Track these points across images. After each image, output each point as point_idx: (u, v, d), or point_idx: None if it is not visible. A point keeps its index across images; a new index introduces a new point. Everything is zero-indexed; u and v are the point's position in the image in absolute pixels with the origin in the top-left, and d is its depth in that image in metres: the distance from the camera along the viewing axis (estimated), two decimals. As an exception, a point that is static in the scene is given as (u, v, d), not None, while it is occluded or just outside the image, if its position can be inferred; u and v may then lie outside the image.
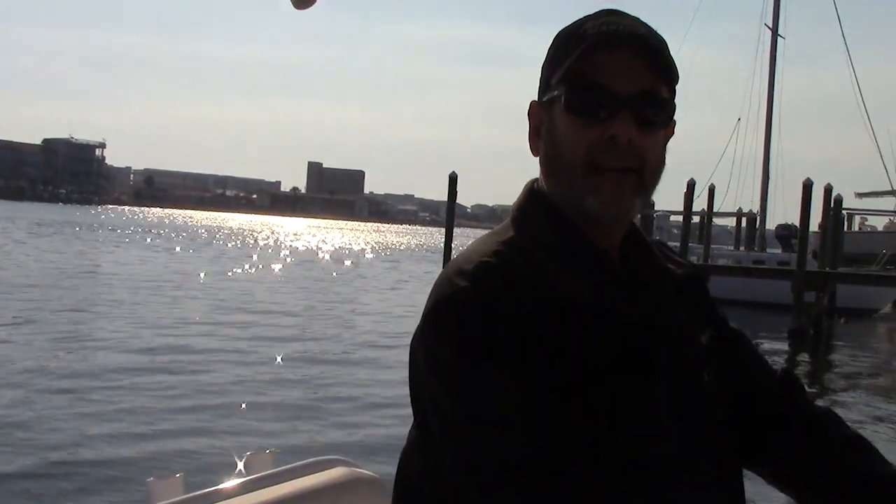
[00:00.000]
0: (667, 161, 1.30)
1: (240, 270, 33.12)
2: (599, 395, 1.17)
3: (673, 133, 1.31)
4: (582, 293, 1.21)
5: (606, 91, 1.22)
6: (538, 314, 1.17)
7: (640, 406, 1.21)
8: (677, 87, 1.29)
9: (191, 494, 1.55)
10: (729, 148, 39.34)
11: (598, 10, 1.30)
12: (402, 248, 77.18)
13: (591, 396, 1.17)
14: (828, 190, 27.53)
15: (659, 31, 1.29)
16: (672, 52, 1.28)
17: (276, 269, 35.76)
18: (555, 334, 1.17)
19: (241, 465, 1.75)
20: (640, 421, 1.20)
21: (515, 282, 1.19)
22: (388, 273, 39.49)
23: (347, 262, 46.56)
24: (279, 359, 13.09)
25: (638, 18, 1.28)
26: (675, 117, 1.30)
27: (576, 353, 1.18)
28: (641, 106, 1.23)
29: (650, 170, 1.25)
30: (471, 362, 1.16)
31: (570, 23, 1.30)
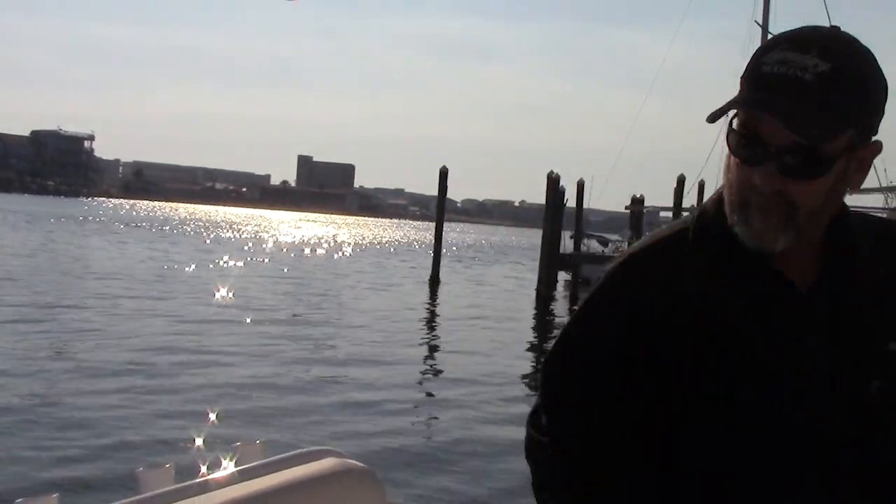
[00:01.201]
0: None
1: (225, 264, 33.04)
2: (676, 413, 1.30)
3: (876, 151, 1.30)
4: (704, 306, 1.29)
5: (757, 139, 1.25)
6: (642, 327, 1.31)
7: (716, 429, 1.29)
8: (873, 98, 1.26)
9: (181, 484, 1.55)
10: (718, 143, 39.37)
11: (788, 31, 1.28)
12: (391, 242, 77.11)
13: (665, 413, 1.30)
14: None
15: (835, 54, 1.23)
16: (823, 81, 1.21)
17: (263, 263, 35.69)
18: (650, 349, 1.30)
19: (231, 456, 1.73)
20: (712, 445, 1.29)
21: (635, 289, 1.33)
22: (375, 269, 39.45)
23: (336, 257, 46.49)
24: (268, 352, 13.07)
25: (829, 47, 1.23)
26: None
27: (664, 366, 1.29)
28: (790, 158, 1.23)
29: (805, 213, 1.26)
30: (563, 349, 1.39)
31: (782, 32, 1.30)
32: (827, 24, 1.33)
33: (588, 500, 1.35)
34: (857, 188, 1.31)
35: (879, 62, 1.30)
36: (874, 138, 1.31)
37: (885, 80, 1.29)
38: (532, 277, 32.46)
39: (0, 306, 16.47)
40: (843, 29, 1.31)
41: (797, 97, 1.20)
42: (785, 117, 1.20)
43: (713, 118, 1.24)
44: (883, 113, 1.30)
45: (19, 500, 1.41)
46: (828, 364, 1.29)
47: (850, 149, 1.25)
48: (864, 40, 1.31)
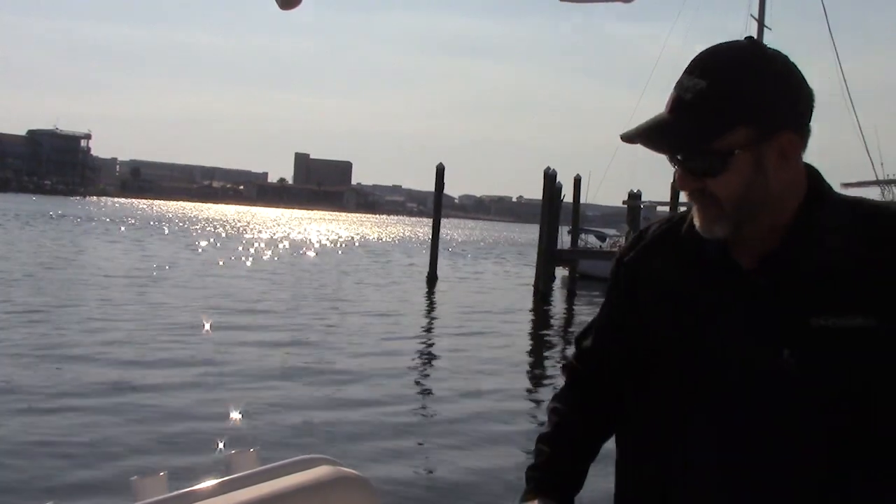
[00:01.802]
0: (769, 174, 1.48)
1: (220, 264, 33.02)
2: (627, 337, 1.66)
3: (794, 141, 1.48)
4: (655, 267, 1.63)
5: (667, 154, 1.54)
6: (626, 273, 1.69)
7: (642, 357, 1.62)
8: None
9: (174, 493, 1.55)
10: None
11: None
12: (389, 239, 77.11)
13: (626, 334, 1.67)
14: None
15: (726, 68, 1.47)
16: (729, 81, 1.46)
17: (259, 262, 35.68)
18: (623, 287, 1.70)
19: (225, 464, 1.74)
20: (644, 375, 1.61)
21: (632, 248, 1.70)
22: (372, 267, 39.46)
23: (333, 254, 46.50)
24: (261, 357, 13.03)
25: (710, 65, 1.48)
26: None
27: (630, 306, 1.66)
28: (689, 161, 1.50)
29: (729, 204, 1.49)
30: None
31: None
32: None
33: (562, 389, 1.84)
34: (788, 175, 1.49)
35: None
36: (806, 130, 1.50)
37: (790, 78, 1.48)
38: (529, 273, 32.48)
39: (-3, 307, 16.47)
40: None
41: (672, 115, 1.49)
42: (645, 139, 1.49)
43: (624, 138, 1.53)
44: (791, 106, 1.48)
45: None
46: (751, 332, 1.50)
47: (752, 144, 1.45)
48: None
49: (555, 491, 1.73)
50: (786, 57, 1.50)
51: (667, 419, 1.57)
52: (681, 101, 1.48)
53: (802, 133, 1.50)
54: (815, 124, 1.52)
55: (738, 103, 1.45)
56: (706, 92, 1.46)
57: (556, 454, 1.76)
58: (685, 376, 1.55)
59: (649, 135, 1.49)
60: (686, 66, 1.51)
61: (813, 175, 1.56)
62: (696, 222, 1.54)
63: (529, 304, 25.91)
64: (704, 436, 1.52)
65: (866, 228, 1.49)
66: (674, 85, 1.51)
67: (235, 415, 9.12)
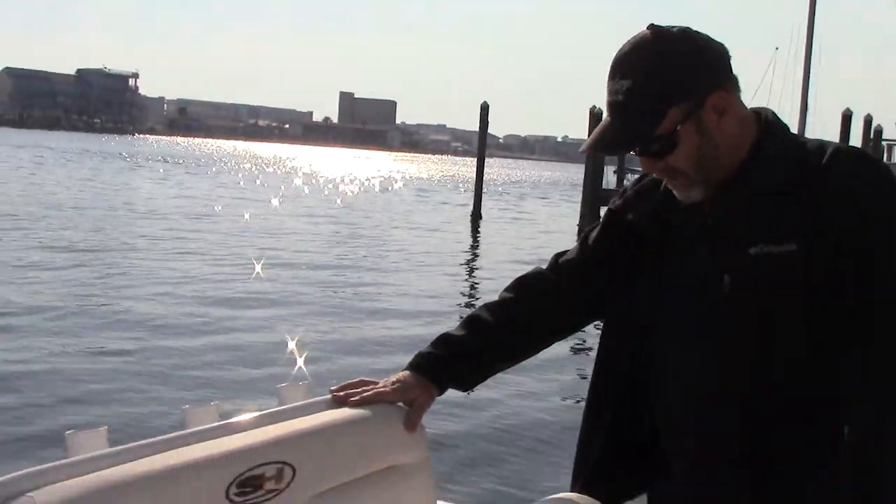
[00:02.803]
0: (723, 130, 1.63)
1: (264, 203, 33.22)
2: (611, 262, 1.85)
3: (725, 97, 1.62)
4: (641, 215, 1.80)
5: None
6: (615, 219, 1.87)
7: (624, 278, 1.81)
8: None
9: (224, 421, 1.57)
10: (766, 78, 38.65)
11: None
12: (432, 177, 76.94)
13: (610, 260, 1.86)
14: (867, 120, 27.05)
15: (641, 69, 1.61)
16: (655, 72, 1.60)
17: (301, 201, 35.84)
18: (616, 220, 1.86)
19: (275, 396, 1.78)
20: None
21: (623, 196, 1.88)
22: (416, 205, 39.41)
23: (378, 193, 46.57)
24: (309, 293, 13.16)
25: (627, 64, 1.62)
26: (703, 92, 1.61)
27: (617, 234, 1.86)
28: (645, 150, 1.64)
29: (693, 171, 1.64)
30: None
31: None
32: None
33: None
34: (730, 124, 1.63)
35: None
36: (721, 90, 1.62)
37: (696, 48, 1.61)
38: (574, 213, 32.26)
39: (33, 248, 16.80)
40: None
41: (614, 119, 1.64)
42: (601, 148, 1.68)
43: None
44: (707, 71, 1.62)
45: (69, 431, 1.44)
46: (704, 265, 1.67)
47: (689, 115, 1.60)
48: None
49: (436, 371, 1.81)
50: (687, 28, 1.63)
51: (640, 355, 1.76)
52: (616, 104, 1.63)
53: (728, 85, 1.63)
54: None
55: (662, 89, 1.60)
56: (633, 89, 1.61)
57: (459, 339, 1.83)
58: (657, 310, 1.73)
59: (603, 144, 1.67)
60: (609, 70, 1.65)
61: (765, 116, 1.69)
62: (676, 194, 1.70)
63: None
64: (672, 365, 1.70)
65: (801, 161, 1.61)
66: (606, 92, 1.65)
67: (286, 350, 9.25)
